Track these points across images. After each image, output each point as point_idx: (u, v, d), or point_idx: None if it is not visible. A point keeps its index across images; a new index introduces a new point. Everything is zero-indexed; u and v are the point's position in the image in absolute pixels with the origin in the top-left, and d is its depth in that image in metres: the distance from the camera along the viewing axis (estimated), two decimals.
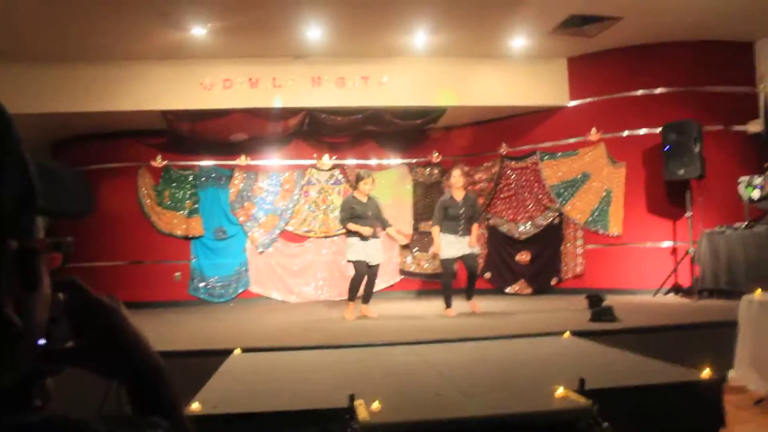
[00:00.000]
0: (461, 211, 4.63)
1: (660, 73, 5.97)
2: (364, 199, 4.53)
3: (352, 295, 4.54)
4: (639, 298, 5.56)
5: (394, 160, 7.32)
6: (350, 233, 4.44)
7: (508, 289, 6.74)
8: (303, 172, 7.13)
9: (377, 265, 4.50)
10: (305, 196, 7.12)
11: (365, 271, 4.45)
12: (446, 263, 4.51)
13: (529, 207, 6.73)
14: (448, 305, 4.57)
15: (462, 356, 2.86)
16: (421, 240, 7.20)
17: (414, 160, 7.39)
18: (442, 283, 4.59)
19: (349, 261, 4.48)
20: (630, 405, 1.92)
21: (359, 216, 4.48)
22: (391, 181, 7.16)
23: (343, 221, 4.43)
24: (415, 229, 7.25)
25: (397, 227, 6.52)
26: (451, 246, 4.54)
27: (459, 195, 4.62)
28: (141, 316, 5.22)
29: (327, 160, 7.13)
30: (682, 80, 5.93)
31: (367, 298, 4.58)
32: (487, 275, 6.90)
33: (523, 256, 6.71)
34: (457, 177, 4.68)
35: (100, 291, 0.51)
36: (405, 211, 7.04)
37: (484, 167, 7.09)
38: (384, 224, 4.56)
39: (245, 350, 3.13)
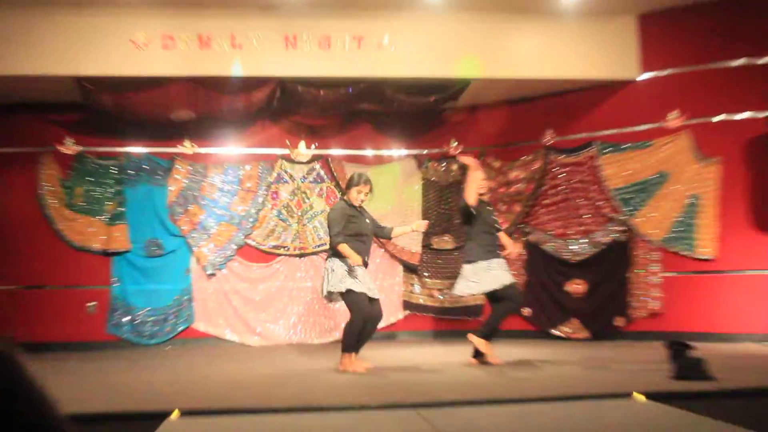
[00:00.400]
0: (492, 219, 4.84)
1: None
2: (357, 211, 4.53)
3: (350, 343, 4.42)
4: (741, 347, 5.57)
5: (398, 152, 7.33)
6: (334, 253, 4.39)
7: (555, 331, 6.72)
8: (271, 166, 7.11)
9: (378, 301, 4.46)
10: (273, 199, 7.10)
11: (368, 310, 4.34)
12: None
13: (585, 218, 6.68)
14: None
15: (493, 425, 2.81)
16: (433, 261, 7.21)
17: (425, 152, 7.38)
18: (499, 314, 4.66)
19: (331, 293, 4.36)
20: None
21: (358, 234, 4.46)
22: (392, 179, 7.16)
23: (338, 236, 4.37)
24: (426, 246, 7.20)
25: (400, 244, 6.73)
26: (481, 272, 4.73)
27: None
28: (42, 363, 5.26)
29: (304, 149, 7.12)
30: None
31: (359, 346, 4.52)
32: (527, 311, 6.85)
33: (577, 286, 6.66)
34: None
35: None
36: (411, 220, 6.91)
37: (521, 162, 7.06)
38: (385, 235, 4.62)
39: (186, 413, 3.09)
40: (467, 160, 4.91)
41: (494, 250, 4.75)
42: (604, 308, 6.46)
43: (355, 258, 4.30)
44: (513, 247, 4.84)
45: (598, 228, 6.58)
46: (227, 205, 6.99)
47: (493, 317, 4.75)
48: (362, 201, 4.53)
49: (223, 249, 6.93)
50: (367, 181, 4.56)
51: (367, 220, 4.61)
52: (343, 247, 4.34)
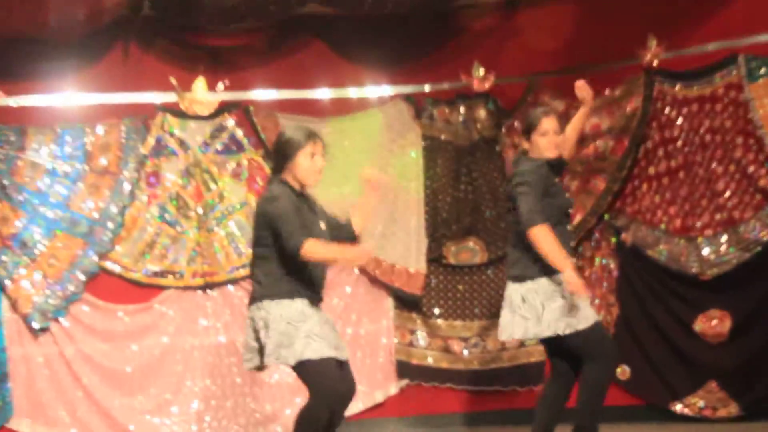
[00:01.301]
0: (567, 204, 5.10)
1: None
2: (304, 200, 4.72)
3: None
4: None
5: (377, 89, 7.27)
6: (284, 275, 4.51)
7: (677, 407, 6.49)
8: (144, 125, 6.95)
9: (347, 364, 4.65)
10: (151, 185, 6.93)
11: (338, 385, 4.51)
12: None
13: (725, 198, 6.44)
14: None
15: None
16: (448, 287, 7.10)
17: (426, 88, 7.19)
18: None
19: (284, 364, 4.49)
20: None
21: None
22: (368, 140, 7.18)
23: (300, 240, 4.43)
24: (436, 260, 7.09)
25: (387, 258, 6.94)
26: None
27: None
28: None
29: (204, 94, 6.86)
30: None
31: None
32: (622, 371, 6.64)
33: (714, 323, 6.40)
34: (550, 124, 4.92)
35: None
36: (405, 213, 6.98)
37: (604, 101, 6.86)
38: (348, 234, 4.81)
39: None
40: (582, 88, 5.07)
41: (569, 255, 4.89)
42: (764, 360, 6.24)
43: (352, 253, 4.60)
44: (577, 283, 4.72)
45: (750, 215, 6.32)
46: (65, 201, 6.76)
47: (587, 397, 4.78)
48: (317, 176, 4.61)
49: (60, 282, 6.66)
50: (316, 138, 4.59)
51: (321, 221, 4.70)
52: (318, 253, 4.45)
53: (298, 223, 4.51)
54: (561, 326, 4.64)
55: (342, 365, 4.57)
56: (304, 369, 4.42)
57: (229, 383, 6.73)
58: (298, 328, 4.41)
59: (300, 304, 4.47)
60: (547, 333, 4.68)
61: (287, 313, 4.43)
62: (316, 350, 4.40)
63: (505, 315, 4.86)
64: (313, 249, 4.39)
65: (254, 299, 4.50)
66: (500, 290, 5.69)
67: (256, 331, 4.50)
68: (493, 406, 6.90)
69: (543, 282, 4.71)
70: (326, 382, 4.42)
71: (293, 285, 4.51)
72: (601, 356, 4.73)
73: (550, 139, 4.83)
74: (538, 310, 4.69)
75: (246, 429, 6.66)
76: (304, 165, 4.52)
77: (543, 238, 4.64)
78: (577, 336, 4.67)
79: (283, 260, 4.54)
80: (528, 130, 4.97)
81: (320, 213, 4.73)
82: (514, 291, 4.79)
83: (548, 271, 4.69)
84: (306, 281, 4.49)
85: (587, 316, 4.73)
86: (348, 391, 4.60)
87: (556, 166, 4.97)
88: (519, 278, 4.76)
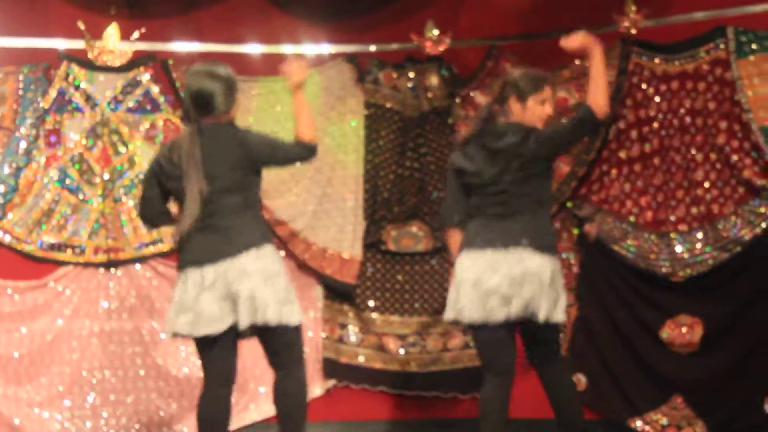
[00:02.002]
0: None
1: None
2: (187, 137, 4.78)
3: None
4: None
5: (316, 47, 7.09)
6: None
7: (637, 424, 6.35)
8: (44, 75, 6.69)
9: (251, 331, 4.76)
10: (50, 146, 6.71)
11: (219, 364, 4.71)
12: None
13: (703, 189, 6.29)
14: None
15: None
16: (386, 276, 6.95)
17: (372, 48, 7.07)
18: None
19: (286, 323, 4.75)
20: None
21: (170, 178, 4.74)
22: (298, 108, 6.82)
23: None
24: (373, 245, 6.96)
25: (317, 241, 6.80)
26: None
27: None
28: None
29: (115, 41, 6.65)
30: None
31: None
32: (578, 381, 6.50)
33: (684, 330, 6.24)
34: (551, 94, 5.07)
35: None
36: (340, 191, 6.81)
37: (573, 71, 6.71)
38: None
39: None
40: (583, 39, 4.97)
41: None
42: (736, 375, 6.11)
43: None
44: None
45: (730, 209, 6.15)
46: None
47: (490, 405, 4.85)
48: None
49: None
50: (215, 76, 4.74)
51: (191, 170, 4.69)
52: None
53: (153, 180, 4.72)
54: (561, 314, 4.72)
55: (221, 340, 4.58)
56: (298, 333, 4.61)
57: (131, 376, 6.45)
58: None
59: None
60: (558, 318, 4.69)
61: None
62: (184, 317, 4.49)
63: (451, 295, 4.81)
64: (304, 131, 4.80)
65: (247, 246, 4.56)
66: (445, 283, 5.75)
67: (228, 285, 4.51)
68: (431, 415, 6.67)
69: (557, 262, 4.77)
70: (206, 358, 4.58)
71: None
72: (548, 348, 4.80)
73: (546, 109, 4.79)
74: (559, 292, 4.71)
75: (148, 428, 6.41)
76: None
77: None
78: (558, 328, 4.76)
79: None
80: (526, 91, 4.87)
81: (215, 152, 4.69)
82: (544, 264, 4.66)
83: (480, 243, 4.72)
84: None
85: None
86: (224, 378, 4.72)
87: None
88: (548, 248, 4.68)
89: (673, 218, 6.23)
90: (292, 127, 6.57)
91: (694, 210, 6.16)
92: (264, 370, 6.25)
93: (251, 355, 6.18)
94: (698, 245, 6.11)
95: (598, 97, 4.78)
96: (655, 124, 6.32)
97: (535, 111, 4.82)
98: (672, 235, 6.20)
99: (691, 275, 6.07)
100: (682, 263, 6.13)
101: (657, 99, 6.32)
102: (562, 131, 4.88)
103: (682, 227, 6.18)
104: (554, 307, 4.68)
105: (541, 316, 4.61)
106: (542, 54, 6.62)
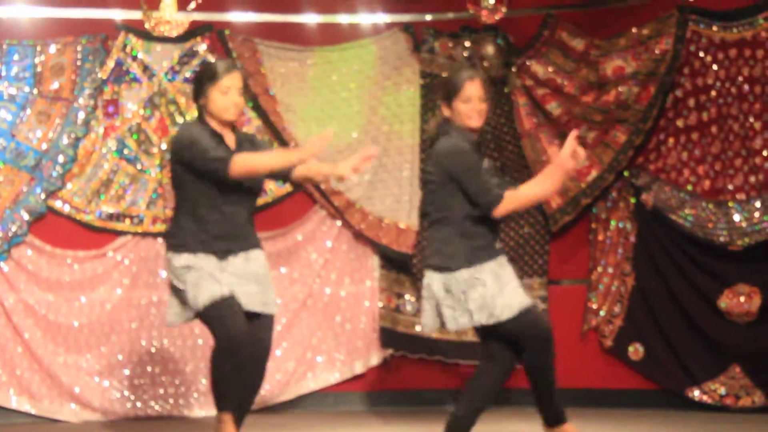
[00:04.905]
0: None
1: None
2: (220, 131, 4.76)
3: (220, 397, 4.60)
4: None
5: (371, 17, 7.14)
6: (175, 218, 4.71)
7: (695, 393, 6.39)
8: (102, 46, 6.77)
9: (270, 318, 4.74)
10: (109, 116, 6.82)
11: (243, 331, 4.58)
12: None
13: (764, 155, 6.33)
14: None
15: None
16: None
17: (428, 17, 7.12)
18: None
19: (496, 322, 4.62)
20: None
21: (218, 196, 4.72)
22: (359, 75, 7.08)
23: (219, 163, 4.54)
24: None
25: (373, 211, 6.88)
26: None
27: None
28: None
29: (172, 12, 6.71)
30: None
31: (243, 410, 4.70)
32: (635, 351, 6.57)
33: (743, 300, 6.31)
34: (474, 89, 4.89)
35: None
36: (397, 160, 6.85)
37: (629, 38, 6.71)
38: (282, 175, 4.84)
39: None
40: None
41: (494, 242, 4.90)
42: None
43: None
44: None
45: None
46: (10, 129, 6.62)
47: (535, 383, 4.75)
48: (232, 115, 4.72)
49: (1, 221, 6.58)
50: (231, 69, 4.72)
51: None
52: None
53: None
54: (484, 316, 4.57)
55: (256, 318, 4.61)
56: (205, 311, 4.39)
57: (189, 345, 6.63)
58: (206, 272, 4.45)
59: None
60: (471, 323, 4.62)
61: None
62: (204, 282, 4.38)
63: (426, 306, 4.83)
64: (240, 163, 4.48)
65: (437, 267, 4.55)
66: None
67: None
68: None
69: (463, 273, 4.61)
70: (224, 320, 4.50)
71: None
72: (534, 341, 4.64)
73: (473, 106, 4.67)
74: (461, 301, 4.62)
75: (207, 396, 6.26)
76: (216, 103, 4.58)
77: (515, 200, 4.57)
78: (505, 324, 4.62)
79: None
80: (449, 96, 4.84)
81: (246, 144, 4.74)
82: (435, 281, 4.72)
83: (470, 261, 4.62)
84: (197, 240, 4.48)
85: (510, 305, 4.59)
86: (258, 347, 4.65)
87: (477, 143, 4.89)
88: (439, 268, 4.68)
89: (730, 187, 6.30)
90: (347, 96, 6.74)
91: (752, 178, 6.24)
92: (321, 340, 6.45)
93: (309, 325, 6.39)
94: (756, 214, 6.19)
95: (516, 202, 4.62)
96: (713, 93, 6.37)
97: (461, 111, 4.75)
98: (730, 204, 6.29)
99: (749, 244, 6.14)
100: (740, 232, 6.19)
101: (715, 67, 6.37)
102: (466, 179, 4.64)
103: (740, 196, 6.26)
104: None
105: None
106: (598, 22, 6.68)
